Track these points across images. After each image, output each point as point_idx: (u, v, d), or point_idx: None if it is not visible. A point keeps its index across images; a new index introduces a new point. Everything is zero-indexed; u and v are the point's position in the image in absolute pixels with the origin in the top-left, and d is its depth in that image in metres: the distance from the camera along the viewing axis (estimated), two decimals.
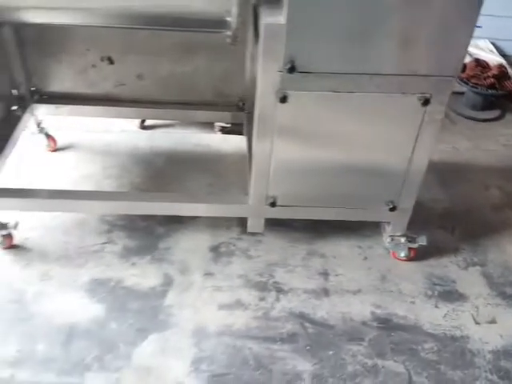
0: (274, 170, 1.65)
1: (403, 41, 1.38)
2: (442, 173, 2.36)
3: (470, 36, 1.38)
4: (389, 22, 1.34)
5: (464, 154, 2.54)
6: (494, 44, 3.26)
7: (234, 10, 1.41)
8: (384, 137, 1.59)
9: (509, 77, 2.78)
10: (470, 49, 3.21)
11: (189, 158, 2.36)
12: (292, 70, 1.40)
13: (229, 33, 1.50)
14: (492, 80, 2.66)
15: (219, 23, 1.47)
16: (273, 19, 1.35)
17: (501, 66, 2.79)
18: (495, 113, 2.80)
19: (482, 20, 3.16)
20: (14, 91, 2.06)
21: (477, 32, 3.21)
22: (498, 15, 3.18)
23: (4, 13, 1.49)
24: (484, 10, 3.16)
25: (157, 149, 2.39)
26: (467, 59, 2.97)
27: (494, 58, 3.04)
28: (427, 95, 1.47)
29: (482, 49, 3.19)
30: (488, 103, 2.77)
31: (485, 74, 2.71)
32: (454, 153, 2.53)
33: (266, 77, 1.44)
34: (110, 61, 2.06)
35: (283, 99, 1.47)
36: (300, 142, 1.60)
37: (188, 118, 2.33)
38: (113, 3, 1.45)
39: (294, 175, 1.68)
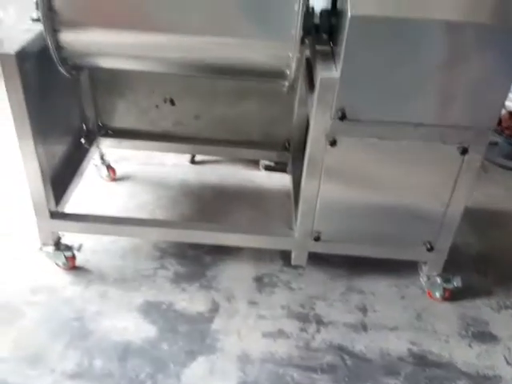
0: (320, 207, 1.80)
1: (445, 95, 1.53)
2: (475, 218, 2.45)
3: (507, 92, 1.52)
4: (432, 78, 1.50)
5: (497, 201, 2.63)
6: None
7: (293, 65, 1.59)
8: (424, 181, 1.72)
9: None
10: (506, 102, 3.34)
11: (235, 192, 2.53)
12: (342, 117, 1.56)
13: (286, 83, 1.69)
14: None
15: (278, 74, 1.66)
16: (328, 74, 1.53)
17: None
18: None
19: None
20: (84, 125, 2.29)
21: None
22: None
23: (85, 59, 1.71)
24: None
25: (205, 183, 2.57)
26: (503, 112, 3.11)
27: None
28: (465, 145, 1.61)
29: None
30: None
31: None
32: (486, 199, 2.63)
33: (318, 123, 1.61)
34: (172, 102, 2.28)
35: (333, 143, 1.63)
36: (346, 182, 1.75)
37: (236, 156, 2.52)
38: (184, 55, 1.65)
39: (338, 213, 1.82)
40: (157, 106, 2.29)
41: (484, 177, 2.81)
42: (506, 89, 1.52)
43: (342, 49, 1.46)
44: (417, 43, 1.44)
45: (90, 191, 2.42)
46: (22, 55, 1.57)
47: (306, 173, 1.74)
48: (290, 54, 1.56)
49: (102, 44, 1.62)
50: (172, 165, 2.68)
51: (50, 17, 1.52)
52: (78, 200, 2.14)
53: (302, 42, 1.66)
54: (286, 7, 1.48)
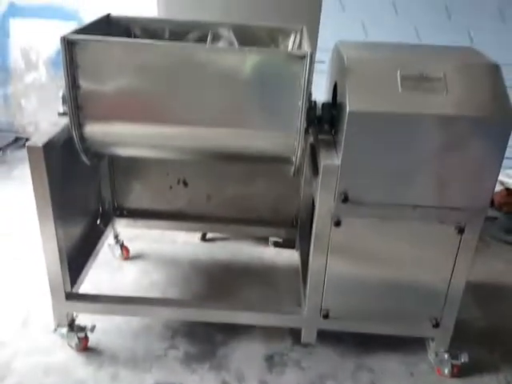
0: (327, 284, 1.87)
1: (439, 179, 1.65)
2: (478, 293, 2.50)
3: (497, 176, 1.64)
4: (427, 164, 1.63)
5: (499, 276, 2.68)
6: None
7: (298, 152, 1.74)
8: (425, 259, 1.81)
9: None
10: (502, 177, 3.50)
11: (244, 269, 2.60)
12: (345, 200, 1.68)
13: (292, 168, 1.83)
14: None
15: (285, 160, 1.80)
16: (329, 161, 1.67)
17: None
18: None
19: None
20: (100, 207, 2.42)
21: (508, 163, 3.58)
22: None
23: (107, 148, 1.86)
24: None
25: (215, 260, 2.65)
26: (498, 188, 3.24)
27: None
28: (462, 225, 1.71)
29: None
30: None
31: None
32: (488, 275, 2.68)
33: (322, 205, 1.72)
34: (185, 183, 2.42)
35: (337, 223, 1.73)
36: (352, 259, 1.83)
37: (246, 233, 2.63)
38: (198, 144, 1.80)
39: (346, 290, 1.88)
40: (171, 187, 2.43)
41: (486, 251, 2.88)
42: (496, 173, 1.64)
43: (342, 139, 1.61)
44: (411, 134, 1.58)
45: (104, 270, 2.50)
46: (49, 147, 1.70)
47: (313, 251, 1.83)
48: (295, 143, 1.71)
49: (122, 135, 1.77)
50: (183, 242, 2.77)
51: (76, 112, 1.67)
52: (91, 279, 2.21)
53: (306, 131, 1.82)
54: (291, 103, 1.64)
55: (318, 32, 3.32)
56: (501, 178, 3.47)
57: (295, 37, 2.12)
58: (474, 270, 2.63)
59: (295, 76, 1.60)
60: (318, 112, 1.85)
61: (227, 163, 2.31)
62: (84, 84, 1.62)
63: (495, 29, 3.23)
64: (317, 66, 3.40)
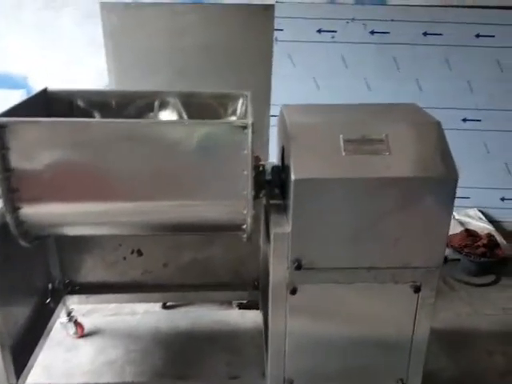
0: (289, 351, 1.80)
1: (392, 240, 1.63)
2: (446, 341, 2.46)
3: (447, 234, 1.64)
4: (376, 226, 1.61)
5: (465, 320, 2.66)
6: (482, 212, 3.60)
7: (249, 220, 1.70)
8: (385, 318, 1.77)
9: (498, 244, 3.02)
10: (462, 217, 3.55)
11: (208, 335, 2.50)
12: (298, 267, 1.64)
13: (244, 235, 1.79)
14: (483, 249, 2.91)
15: (236, 228, 1.76)
16: (280, 229, 1.63)
17: (489, 235, 3.06)
18: (491, 278, 2.99)
19: (470, 192, 3.64)
20: (49, 285, 2.29)
21: (466, 202, 3.65)
22: (483, 187, 3.58)
23: (47, 230, 1.77)
24: (471, 183, 3.62)
25: (177, 328, 2.54)
26: (459, 229, 3.27)
27: (483, 226, 3.34)
28: (418, 283, 1.69)
29: (472, 217, 3.52)
30: (483, 269, 2.98)
31: (476, 244, 2.96)
32: (455, 319, 2.66)
33: (276, 273, 1.68)
34: (139, 253, 2.34)
35: (293, 291, 1.68)
36: (311, 325, 1.77)
37: (207, 299, 2.54)
38: (145, 219, 1.74)
39: (308, 356, 1.82)
40: (124, 258, 2.35)
41: (451, 295, 2.87)
42: (446, 230, 1.64)
43: (290, 207, 1.59)
44: (357, 198, 1.57)
45: (57, 351, 2.35)
46: None
47: (271, 319, 1.76)
48: (245, 211, 1.68)
49: (61, 216, 1.68)
50: (143, 312, 2.66)
51: (10, 196, 1.58)
52: (43, 363, 2.07)
53: (257, 197, 1.80)
54: (237, 172, 1.62)
55: (270, 89, 3.39)
56: (460, 217, 3.51)
57: (243, 101, 2.13)
58: (440, 316, 2.62)
59: (239, 145, 1.59)
60: (268, 176, 1.85)
61: (179, 234, 2.26)
62: (17, 166, 1.56)
63: (442, 76, 3.35)
64: (271, 121, 3.49)
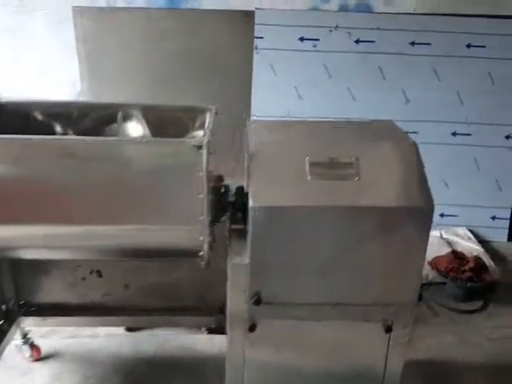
0: None
1: (362, 274, 1.49)
2: (427, 374, 2.30)
3: (422, 267, 1.49)
4: (344, 258, 1.47)
5: (449, 351, 2.50)
6: (471, 231, 3.45)
7: (205, 247, 1.56)
8: (353, 357, 1.63)
9: (486, 268, 2.87)
10: (450, 237, 3.41)
11: (173, 361, 2.34)
12: (258, 302, 1.49)
13: (202, 262, 1.64)
14: (470, 274, 2.76)
15: (192, 254, 1.61)
16: (238, 259, 1.49)
17: (477, 258, 2.90)
18: (478, 304, 2.83)
19: (458, 210, 3.49)
20: (3, 306, 2.14)
21: (455, 221, 3.50)
22: (472, 205, 3.44)
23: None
24: (460, 200, 3.47)
25: (141, 353, 2.38)
26: (445, 250, 3.12)
27: (471, 247, 3.19)
28: (389, 322, 1.54)
29: (460, 236, 3.37)
30: (469, 294, 2.83)
31: (462, 267, 2.81)
32: (438, 349, 2.50)
33: (234, 307, 1.53)
34: (99, 274, 2.18)
35: (252, 328, 1.53)
36: (272, 361, 1.63)
37: (172, 324, 2.38)
38: (98, 243, 1.61)
39: None
40: (83, 279, 2.19)
41: (433, 322, 2.72)
42: (421, 263, 1.50)
43: (249, 236, 1.44)
44: (322, 228, 1.43)
45: (10, 375, 2.19)
46: None
47: (228, 357, 1.61)
48: (201, 238, 1.53)
49: (9, 239, 1.57)
50: (105, 335, 2.49)
51: None
52: None
53: (217, 221, 1.66)
54: (192, 196, 1.47)
55: (250, 100, 3.25)
56: (448, 237, 3.37)
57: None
58: (421, 345, 2.46)
59: (193, 167, 1.44)
60: (232, 197, 1.70)
61: (134, 259, 2.11)
62: None
63: (431, 87, 3.22)
64: None
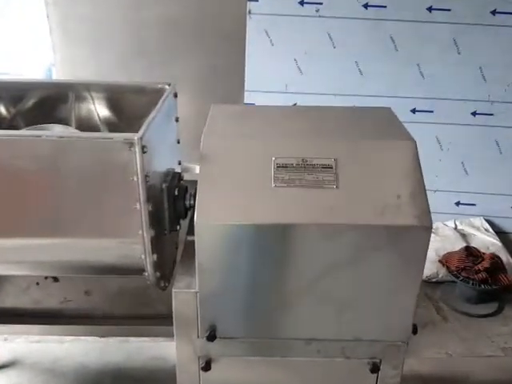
0: None
1: (338, 305, 1.18)
2: None
3: (415, 298, 1.18)
4: (320, 287, 1.16)
5: (458, 363, 2.20)
6: (489, 221, 3.10)
7: (148, 265, 1.27)
8: None
9: (503, 268, 2.53)
10: (465, 228, 3.05)
11: (144, 373, 2.10)
12: (212, 337, 1.20)
13: (149, 282, 1.36)
14: (484, 275, 2.42)
15: (137, 272, 1.33)
16: (184, 285, 1.19)
17: (493, 257, 2.56)
18: (492, 307, 2.51)
19: (476, 198, 3.13)
20: None
21: (471, 210, 3.15)
22: (491, 193, 3.07)
23: None
24: (479, 187, 3.12)
25: (108, 364, 2.14)
26: (459, 244, 2.78)
27: (488, 241, 2.85)
28: (376, 360, 1.24)
29: (477, 228, 3.02)
30: (483, 296, 2.50)
31: (476, 267, 2.47)
32: (446, 361, 2.21)
33: (183, 345, 1.24)
34: (55, 278, 1.93)
35: (206, 367, 1.25)
36: None
37: (142, 334, 2.12)
38: (29, 257, 1.34)
39: None
40: (37, 284, 1.94)
41: (442, 327, 2.42)
42: (414, 294, 1.18)
43: (196, 258, 1.14)
44: (287, 250, 1.12)
45: None
46: None
47: None
48: (142, 256, 1.24)
49: None
50: (72, 340, 2.26)
51: None
52: None
53: (174, 229, 1.37)
54: (127, 206, 1.17)
55: (244, 72, 2.89)
56: (463, 228, 3.02)
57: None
58: (428, 356, 2.18)
59: (124, 170, 1.14)
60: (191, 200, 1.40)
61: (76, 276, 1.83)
62: None
63: (449, 60, 2.81)
64: None
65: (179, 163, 1.67)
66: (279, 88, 2.91)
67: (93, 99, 1.72)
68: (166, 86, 1.56)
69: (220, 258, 1.13)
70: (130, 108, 1.67)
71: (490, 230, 3.00)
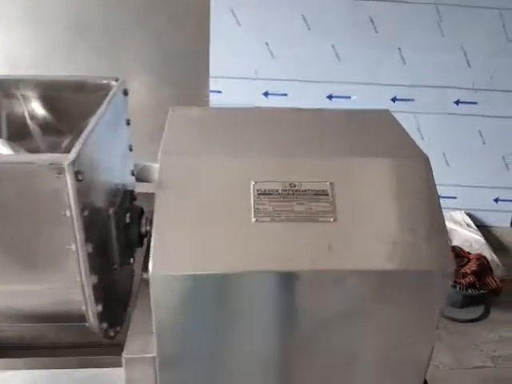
0: None
1: (342, 367, 0.94)
2: None
3: (428, 362, 0.95)
4: (313, 346, 0.91)
5: (445, 376, 2.04)
6: (469, 215, 2.95)
7: (90, 314, 0.99)
8: None
9: (490, 270, 2.38)
10: (446, 223, 2.87)
11: None
12: None
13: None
14: (471, 278, 2.26)
15: (80, 320, 1.06)
16: (137, 349, 0.92)
17: (480, 257, 2.40)
18: (478, 310, 2.37)
19: (457, 190, 2.97)
20: None
21: (452, 203, 2.98)
22: (473, 185, 2.92)
23: None
24: (460, 179, 2.96)
25: None
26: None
27: (471, 237, 2.70)
28: None
29: (458, 222, 2.87)
30: (469, 300, 2.35)
31: (463, 270, 2.31)
32: (432, 374, 2.04)
33: None
34: None
35: None
36: None
37: (89, 365, 1.85)
38: None
39: None
40: None
41: None
42: (428, 349, 0.95)
43: (154, 316, 0.88)
44: (266, 303, 0.86)
45: None
46: None
47: None
48: (83, 308, 0.97)
49: None
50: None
51: None
52: None
53: (127, 263, 1.10)
54: (59, 246, 0.89)
55: (208, 57, 2.59)
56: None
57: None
58: None
59: (51, 203, 0.85)
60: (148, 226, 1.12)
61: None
62: None
63: (433, 44, 2.60)
64: (212, 99, 2.71)
65: (132, 174, 1.39)
66: (248, 74, 2.63)
67: (24, 98, 1.39)
68: (113, 82, 1.25)
69: (184, 316, 0.87)
70: (70, 108, 1.36)
71: (472, 224, 2.86)
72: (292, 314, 0.87)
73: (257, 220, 0.87)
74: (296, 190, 0.90)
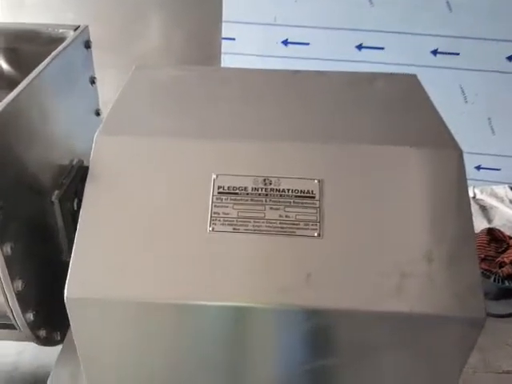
0: None
1: None
2: None
3: None
4: None
5: (469, 381, 1.82)
6: None
7: (25, 330, 0.81)
8: None
9: None
10: (486, 198, 2.58)
11: None
12: None
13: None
14: (509, 269, 1.97)
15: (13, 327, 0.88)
16: (65, 381, 0.74)
17: None
18: None
19: (500, 161, 2.62)
20: None
21: (495, 175, 2.65)
22: None
23: None
24: (504, 149, 2.61)
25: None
26: (479, 222, 2.31)
27: None
28: None
29: (500, 198, 2.54)
30: (504, 292, 2.07)
31: (500, 259, 2.02)
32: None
33: None
34: None
35: None
36: None
37: None
38: None
39: None
40: None
41: None
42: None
43: (76, 345, 0.68)
44: (227, 342, 0.65)
45: None
46: None
47: None
48: (10, 316, 0.78)
49: None
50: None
51: None
52: None
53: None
54: None
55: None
56: (484, 198, 2.55)
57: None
58: None
59: None
60: None
61: None
62: None
63: None
64: (224, 47, 2.41)
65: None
66: (266, 19, 2.31)
67: None
68: (71, 32, 1.01)
69: (114, 347, 0.66)
70: (24, 61, 1.13)
71: None
72: (246, 355, 0.65)
73: (213, 229, 0.64)
74: (271, 189, 0.66)
